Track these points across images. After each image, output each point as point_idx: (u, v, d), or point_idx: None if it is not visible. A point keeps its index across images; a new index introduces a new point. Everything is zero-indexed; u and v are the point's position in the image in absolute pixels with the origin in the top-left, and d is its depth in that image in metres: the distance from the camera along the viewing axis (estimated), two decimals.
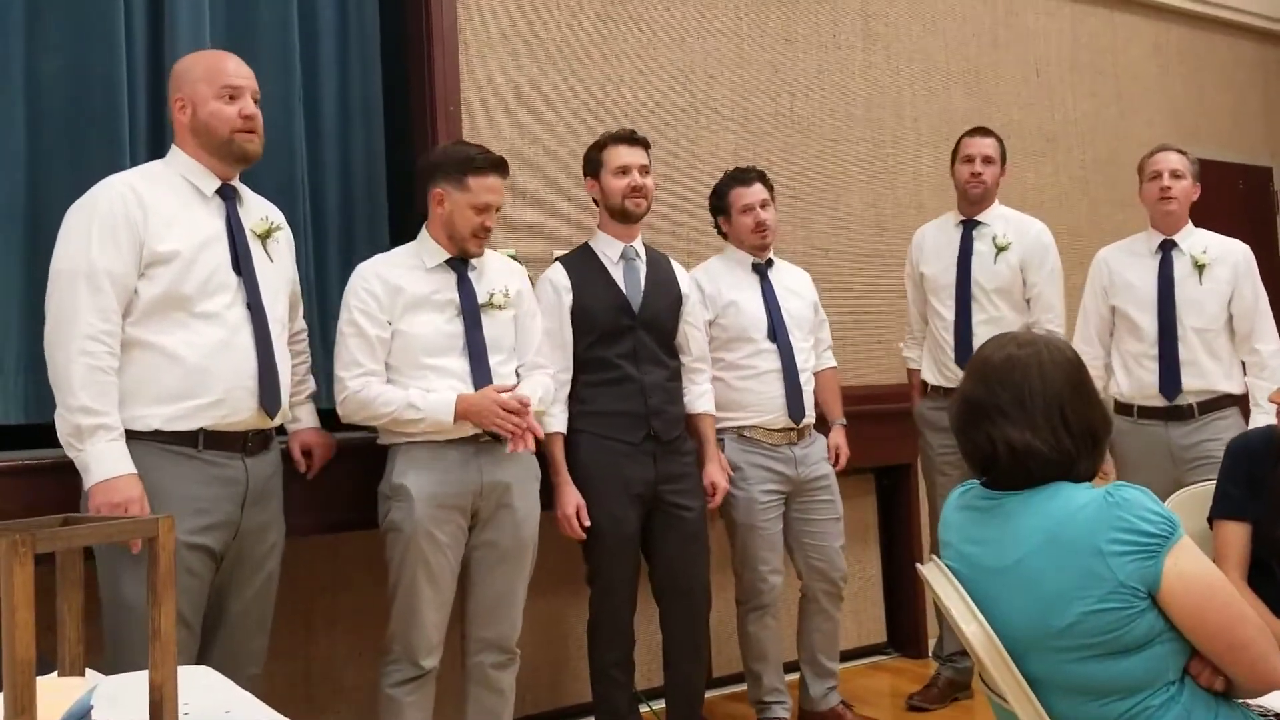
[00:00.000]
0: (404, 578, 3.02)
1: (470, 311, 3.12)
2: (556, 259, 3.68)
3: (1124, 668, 1.83)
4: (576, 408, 3.50)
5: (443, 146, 3.37)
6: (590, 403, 3.50)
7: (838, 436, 4.03)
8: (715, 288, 3.82)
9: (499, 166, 3.18)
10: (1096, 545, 1.82)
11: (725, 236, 4.00)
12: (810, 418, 3.89)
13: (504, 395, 3.04)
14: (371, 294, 3.06)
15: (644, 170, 3.55)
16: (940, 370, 4.14)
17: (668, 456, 3.52)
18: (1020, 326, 3.98)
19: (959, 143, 4.27)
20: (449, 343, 3.09)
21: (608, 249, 3.60)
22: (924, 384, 4.22)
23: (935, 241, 4.23)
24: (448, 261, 3.15)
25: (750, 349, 3.81)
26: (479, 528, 3.12)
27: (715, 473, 3.66)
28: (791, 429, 3.83)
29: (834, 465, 3.97)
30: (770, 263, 3.96)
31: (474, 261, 3.20)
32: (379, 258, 3.20)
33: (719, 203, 3.96)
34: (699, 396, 3.68)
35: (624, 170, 3.52)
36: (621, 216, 3.55)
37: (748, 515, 3.75)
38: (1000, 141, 4.21)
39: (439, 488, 3.02)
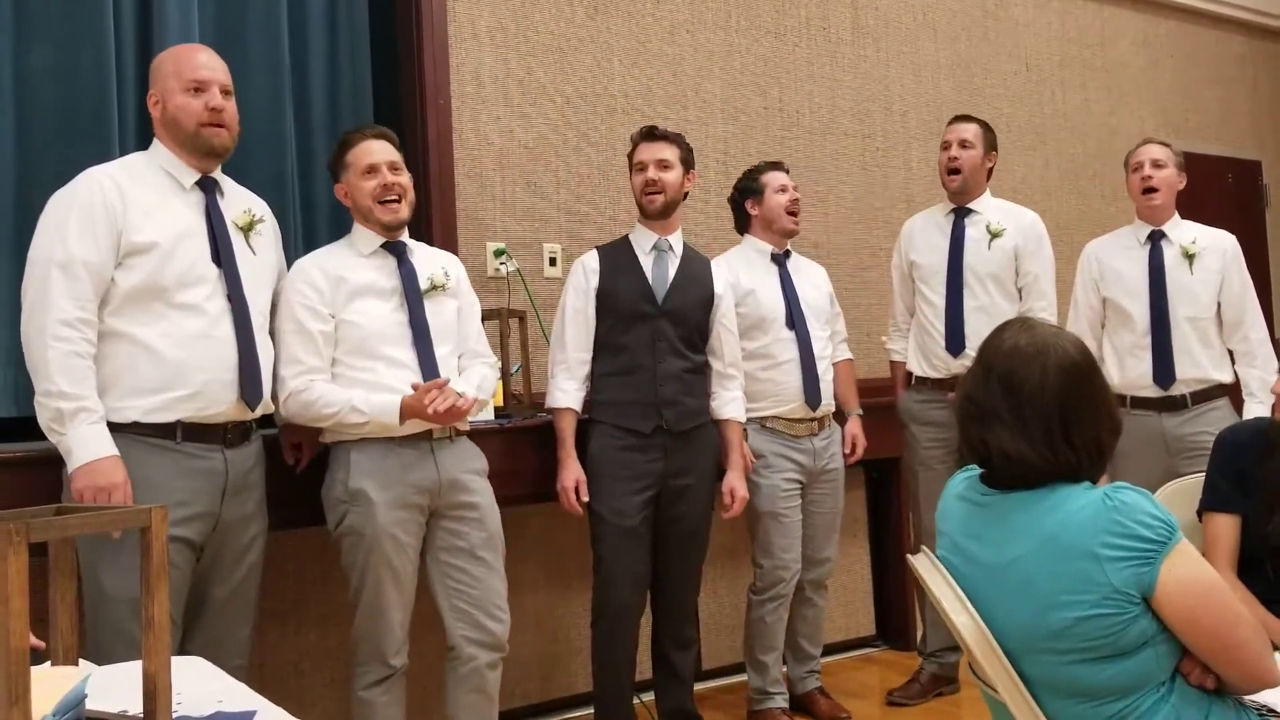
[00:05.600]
0: (368, 582, 2.95)
1: (414, 297, 3.05)
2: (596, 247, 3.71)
3: (1117, 671, 1.82)
4: (592, 397, 3.54)
5: None
6: (604, 392, 3.53)
7: (855, 427, 4.06)
8: (735, 277, 3.82)
9: (367, 132, 3.12)
10: (1092, 549, 1.79)
11: (746, 226, 3.99)
12: (829, 407, 3.92)
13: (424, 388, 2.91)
14: (313, 287, 2.95)
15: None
16: (928, 360, 4.10)
17: (680, 450, 3.52)
18: (1013, 314, 3.92)
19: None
20: (399, 331, 3.01)
21: (641, 240, 3.63)
22: (909, 376, 4.19)
23: (926, 229, 4.18)
24: (384, 246, 3.08)
25: (768, 337, 3.83)
26: (442, 529, 3.05)
27: (734, 480, 3.64)
28: (810, 419, 3.86)
29: (850, 455, 4.02)
30: (788, 253, 3.99)
31: (410, 245, 3.14)
32: (315, 252, 3.12)
33: (751, 184, 3.95)
34: (728, 402, 3.67)
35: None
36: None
37: (770, 503, 3.77)
38: (984, 127, 4.14)
39: (399, 489, 2.94)
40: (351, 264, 3.03)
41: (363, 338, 2.98)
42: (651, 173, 3.58)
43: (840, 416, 4.06)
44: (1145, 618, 1.80)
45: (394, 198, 3.05)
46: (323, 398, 2.91)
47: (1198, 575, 1.81)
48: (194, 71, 2.75)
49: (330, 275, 2.98)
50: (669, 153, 3.58)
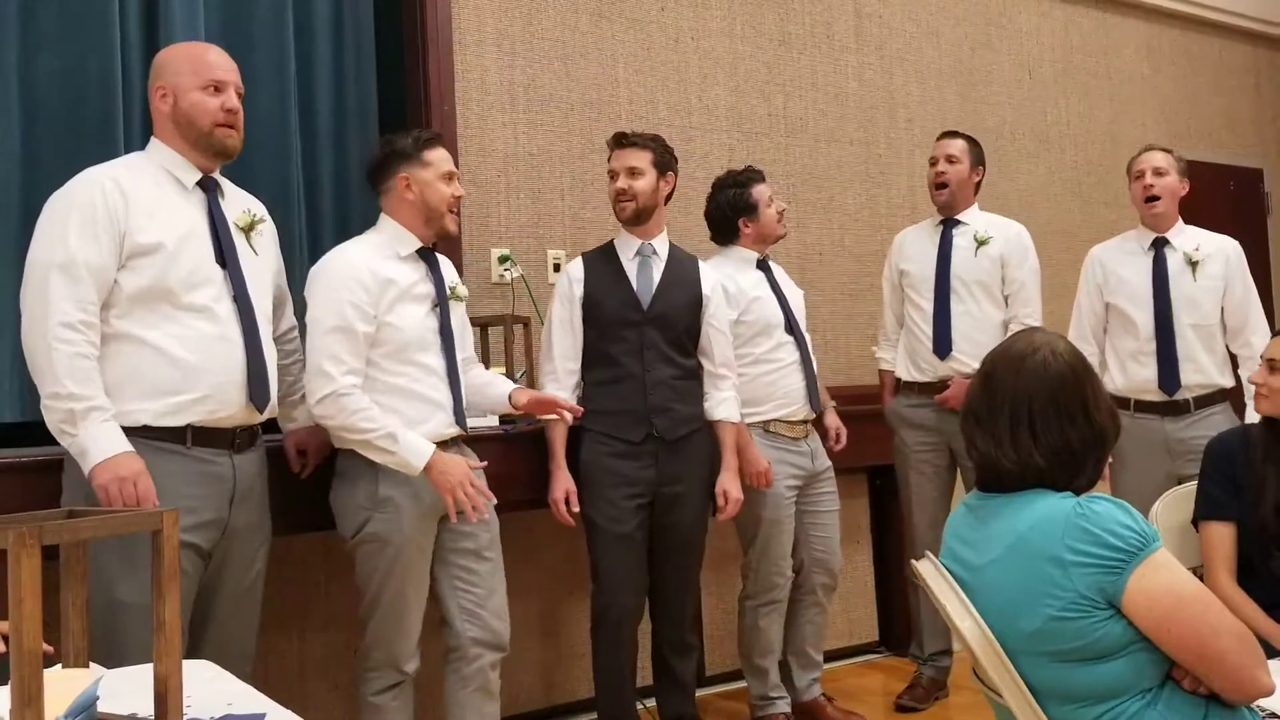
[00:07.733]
0: (390, 589, 2.95)
1: (443, 304, 3.07)
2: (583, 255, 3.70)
3: (1098, 674, 1.82)
4: (584, 406, 3.51)
5: (384, 139, 3.22)
6: (595, 401, 3.51)
7: (834, 417, 4.07)
8: (735, 285, 3.80)
9: (443, 138, 3.19)
10: (1057, 555, 1.80)
11: (733, 238, 3.93)
12: (820, 408, 3.94)
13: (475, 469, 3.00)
14: (363, 286, 2.91)
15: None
16: (915, 365, 4.16)
17: (672, 456, 3.51)
18: (999, 322, 4.06)
19: None
20: (431, 337, 3.03)
21: (625, 246, 3.61)
22: (897, 381, 4.25)
23: (917, 240, 4.27)
24: (418, 251, 3.07)
25: (772, 342, 3.82)
26: (449, 531, 3.04)
27: (728, 482, 3.60)
28: (807, 420, 3.88)
29: (836, 444, 4.02)
30: (768, 258, 3.99)
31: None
32: (357, 247, 3.03)
33: (745, 201, 3.88)
34: (720, 403, 3.63)
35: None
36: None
37: (774, 510, 3.76)
38: (971, 142, 4.22)
39: (424, 496, 2.94)
40: (394, 266, 3.01)
41: (402, 343, 2.97)
42: (621, 182, 3.55)
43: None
44: (1119, 623, 1.80)
45: (456, 210, 3.12)
46: (364, 411, 2.86)
47: (1169, 587, 1.79)
48: (211, 71, 2.72)
49: (379, 277, 2.95)
50: (638, 159, 3.54)
